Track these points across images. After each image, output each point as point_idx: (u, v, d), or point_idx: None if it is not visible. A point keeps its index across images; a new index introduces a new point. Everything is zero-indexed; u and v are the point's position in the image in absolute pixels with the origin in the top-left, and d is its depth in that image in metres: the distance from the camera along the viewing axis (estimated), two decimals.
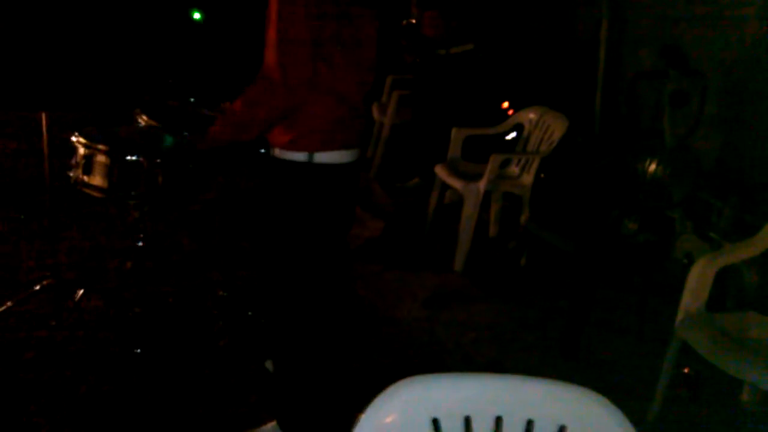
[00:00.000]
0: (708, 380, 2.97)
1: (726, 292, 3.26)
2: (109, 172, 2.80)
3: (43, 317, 3.24)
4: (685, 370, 2.95)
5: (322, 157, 2.33)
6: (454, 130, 4.71)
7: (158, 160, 2.80)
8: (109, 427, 2.64)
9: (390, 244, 4.50)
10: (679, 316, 2.73)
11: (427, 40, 5.26)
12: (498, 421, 1.38)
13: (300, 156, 2.33)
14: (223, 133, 2.36)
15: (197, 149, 2.46)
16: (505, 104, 5.34)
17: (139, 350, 3.03)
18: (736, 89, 4.00)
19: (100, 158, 2.79)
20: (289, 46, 2.19)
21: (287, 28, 2.18)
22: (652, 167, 3.95)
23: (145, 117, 3.12)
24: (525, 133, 4.67)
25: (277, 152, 2.39)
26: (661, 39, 4.41)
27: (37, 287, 3.32)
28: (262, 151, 2.68)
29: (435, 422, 1.37)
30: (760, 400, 2.88)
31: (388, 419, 1.35)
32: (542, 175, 4.43)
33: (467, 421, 1.38)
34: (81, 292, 3.32)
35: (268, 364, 2.99)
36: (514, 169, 4.56)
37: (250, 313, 3.41)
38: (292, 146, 2.33)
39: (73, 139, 2.83)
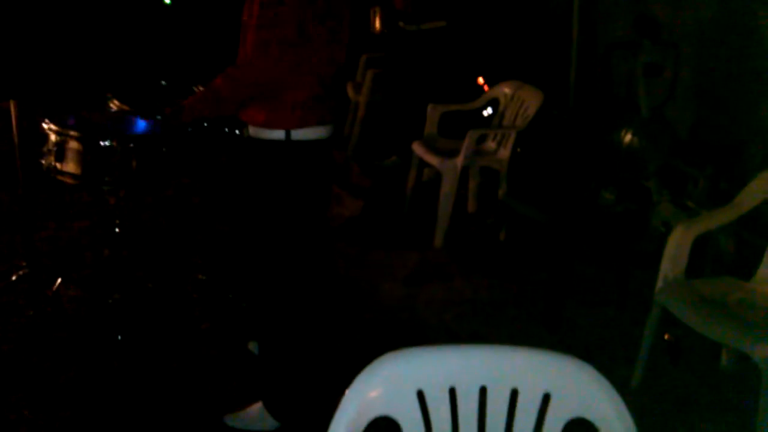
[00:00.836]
0: (688, 345, 3.01)
1: (704, 258, 3.29)
2: (82, 158, 2.76)
3: (21, 308, 3.20)
4: (666, 336, 2.99)
5: (300, 134, 2.33)
6: (429, 107, 4.70)
7: (131, 145, 2.77)
8: (92, 415, 2.62)
9: (370, 222, 4.49)
10: (659, 283, 2.76)
11: (397, 12, 5.24)
12: (483, 391, 1.39)
13: (277, 134, 2.33)
14: (202, 108, 2.34)
15: (173, 124, 2.43)
16: (480, 80, 5.33)
17: (120, 337, 3.01)
18: (708, 59, 4.02)
19: (73, 144, 2.75)
20: (273, 24, 2.19)
21: (273, 7, 2.18)
22: (628, 138, 3.97)
23: (116, 102, 3.08)
24: (501, 107, 4.67)
25: (253, 131, 2.40)
26: (634, 10, 4.41)
27: (14, 278, 3.29)
28: (237, 132, 2.66)
29: (420, 394, 1.37)
30: (738, 362, 2.92)
31: (374, 393, 1.35)
32: (519, 149, 4.43)
33: (452, 393, 1.38)
34: (59, 281, 3.28)
35: (251, 346, 2.98)
36: (490, 144, 4.55)
37: (230, 296, 3.40)
38: (268, 125, 2.33)
39: (45, 126, 2.79)
